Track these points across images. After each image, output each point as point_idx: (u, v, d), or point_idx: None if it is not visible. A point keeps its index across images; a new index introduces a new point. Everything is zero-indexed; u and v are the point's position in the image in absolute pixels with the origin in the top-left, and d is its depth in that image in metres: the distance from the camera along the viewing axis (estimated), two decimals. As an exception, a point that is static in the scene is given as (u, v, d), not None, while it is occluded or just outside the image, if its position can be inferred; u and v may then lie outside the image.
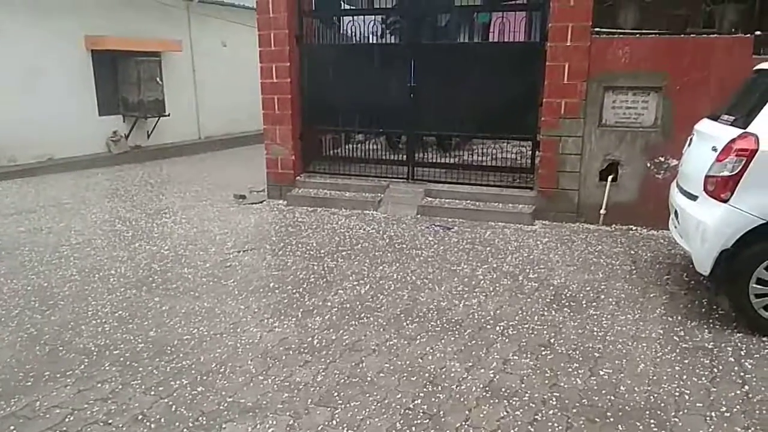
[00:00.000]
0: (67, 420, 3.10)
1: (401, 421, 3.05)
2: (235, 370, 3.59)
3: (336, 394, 3.32)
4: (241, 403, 3.23)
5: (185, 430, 3.01)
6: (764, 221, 3.83)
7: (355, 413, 3.13)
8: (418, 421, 3.05)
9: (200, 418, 3.11)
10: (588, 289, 4.83)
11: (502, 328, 4.12)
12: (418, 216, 7.11)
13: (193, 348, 3.87)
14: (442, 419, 3.07)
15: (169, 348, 3.87)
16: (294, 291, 4.84)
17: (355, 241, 6.19)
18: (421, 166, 7.85)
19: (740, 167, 3.87)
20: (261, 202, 7.98)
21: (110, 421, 3.09)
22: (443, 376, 3.49)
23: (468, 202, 7.16)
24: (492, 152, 7.87)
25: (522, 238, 6.24)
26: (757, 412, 3.13)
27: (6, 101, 9.98)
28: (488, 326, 4.15)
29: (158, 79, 12.62)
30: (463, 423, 3.04)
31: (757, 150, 3.82)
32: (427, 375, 3.50)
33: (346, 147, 8.78)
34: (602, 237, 6.27)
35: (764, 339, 3.93)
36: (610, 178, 6.56)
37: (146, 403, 3.25)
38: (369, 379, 3.47)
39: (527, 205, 6.94)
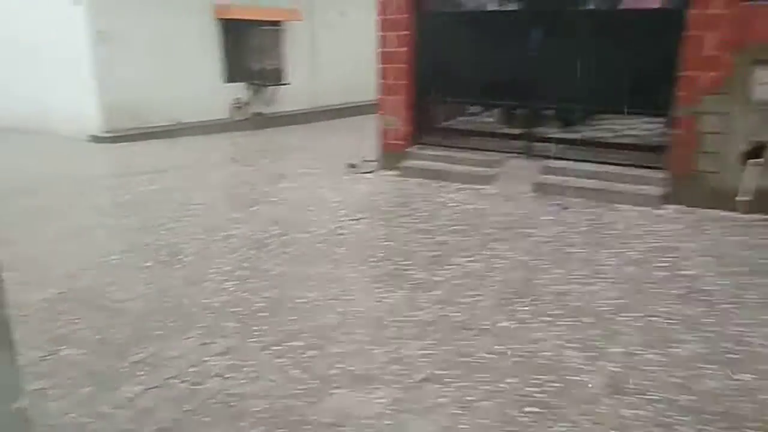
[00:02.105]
0: (189, 370, 3.27)
1: (513, 407, 2.93)
2: (346, 337, 3.62)
3: (445, 371, 3.24)
4: (351, 371, 3.26)
5: (296, 392, 3.08)
6: None
7: (465, 393, 3.05)
8: (532, 410, 2.91)
9: (311, 381, 3.17)
10: (726, 283, 4.37)
11: (625, 318, 3.83)
12: (534, 193, 6.80)
13: (306, 311, 3.96)
14: (559, 410, 2.91)
15: (283, 310, 3.98)
16: (404, 263, 4.81)
17: (466, 216, 6.04)
18: (539, 141, 7.48)
19: None
20: (372, 172, 8.02)
21: (227, 376, 3.23)
22: (560, 365, 3.30)
23: (590, 180, 6.73)
24: (618, 128, 7.35)
25: (650, 223, 5.77)
26: None
27: (141, 67, 10.71)
28: (610, 315, 3.88)
29: (279, 47, 13.01)
30: (581, 417, 2.86)
31: None
32: (542, 362, 3.34)
33: (461, 119, 8.58)
34: (744, 227, 5.65)
35: None
36: (755, 161, 5.88)
37: (262, 361, 3.36)
38: (479, 359, 3.36)
39: (657, 187, 6.41)
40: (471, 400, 3.00)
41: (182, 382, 3.17)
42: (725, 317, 3.85)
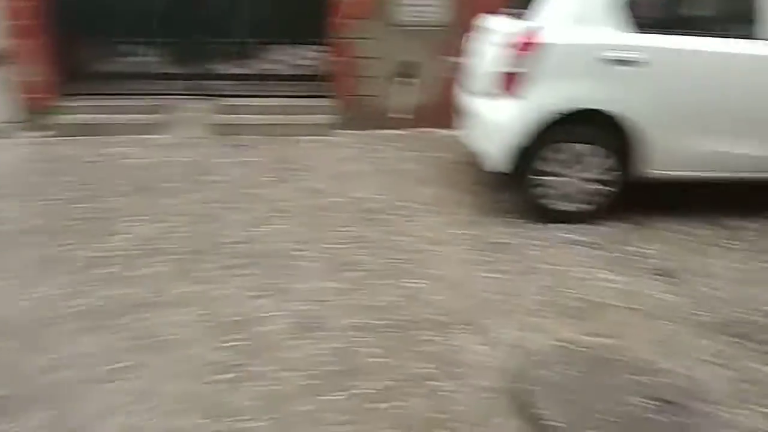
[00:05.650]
0: None
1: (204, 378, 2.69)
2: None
3: (126, 363, 2.81)
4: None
5: None
6: (556, 116, 3.96)
7: (152, 379, 2.69)
8: (223, 377, 2.71)
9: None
10: (392, 197, 4.75)
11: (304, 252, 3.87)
12: (211, 136, 6.39)
13: None
14: (249, 368, 2.77)
15: None
16: (66, 243, 4.03)
17: (138, 173, 5.38)
18: (209, 79, 7.03)
19: (529, 62, 3.90)
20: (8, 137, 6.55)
21: None
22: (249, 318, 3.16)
23: (263, 116, 6.59)
24: (288, 59, 7.29)
25: (323, 151, 5.95)
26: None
27: None
28: (294, 252, 3.87)
29: None
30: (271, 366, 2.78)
31: (544, 43, 3.86)
32: (230, 320, 3.15)
33: (119, 60, 7.47)
34: (405, 142, 6.23)
35: (551, 226, 4.22)
36: (403, 80, 6.44)
37: None
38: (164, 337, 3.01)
39: (325, 115, 6.61)
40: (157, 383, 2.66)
41: None
42: (393, 231, 4.18)
